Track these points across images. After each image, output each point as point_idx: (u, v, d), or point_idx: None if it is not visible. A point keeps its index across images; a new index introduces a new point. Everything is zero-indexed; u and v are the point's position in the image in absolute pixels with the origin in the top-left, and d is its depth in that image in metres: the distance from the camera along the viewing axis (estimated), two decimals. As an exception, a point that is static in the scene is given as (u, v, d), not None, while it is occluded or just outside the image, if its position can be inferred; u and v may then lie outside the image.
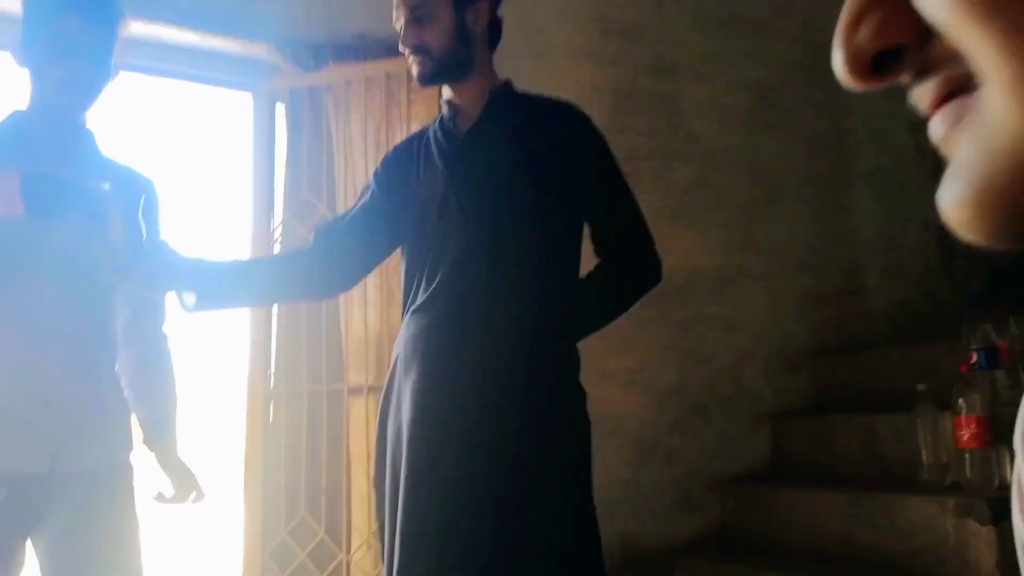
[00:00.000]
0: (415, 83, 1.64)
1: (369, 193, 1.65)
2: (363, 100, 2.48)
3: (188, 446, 1.81)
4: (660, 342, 2.91)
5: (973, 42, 0.26)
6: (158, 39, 2.40)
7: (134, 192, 1.57)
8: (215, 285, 1.49)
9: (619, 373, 2.80)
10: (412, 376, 1.49)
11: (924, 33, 0.29)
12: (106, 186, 1.47)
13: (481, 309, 1.48)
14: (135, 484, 1.67)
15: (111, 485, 1.60)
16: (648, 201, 2.95)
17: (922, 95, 0.30)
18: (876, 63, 0.30)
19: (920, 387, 2.36)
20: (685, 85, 3.18)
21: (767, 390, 3.09)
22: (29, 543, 1.53)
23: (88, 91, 1.58)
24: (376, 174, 1.68)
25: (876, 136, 3.49)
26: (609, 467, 2.58)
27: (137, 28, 2.36)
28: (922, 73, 0.30)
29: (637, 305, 1.59)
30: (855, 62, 0.31)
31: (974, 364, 2.28)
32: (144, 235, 1.41)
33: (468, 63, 1.57)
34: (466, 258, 1.50)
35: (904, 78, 0.31)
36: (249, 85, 2.56)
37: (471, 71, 1.58)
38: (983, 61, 0.26)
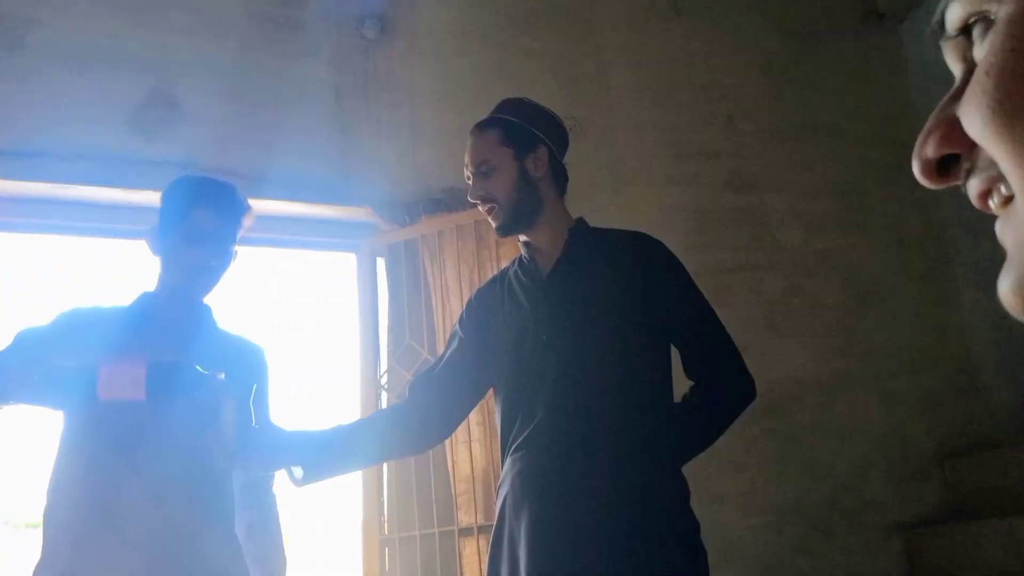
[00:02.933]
0: None
1: (457, 340, 1.71)
2: (455, 247, 2.62)
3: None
4: (772, 458, 2.84)
5: (997, 156, 0.36)
6: (270, 213, 2.62)
7: (246, 367, 1.69)
8: (322, 457, 1.55)
9: (732, 496, 2.73)
10: (524, 521, 1.49)
11: (972, 144, 0.38)
12: (221, 376, 1.59)
13: (583, 440, 1.49)
14: None
15: None
16: (741, 313, 2.99)
17: (971, 190, 0.40)
18: (940, 168, 0.41)
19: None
20: (765, 196, 3.22)
21: (893, 500, 2.94)
22: None
23: (213, 275, 1.73)
24: (462, 320, 1.74)
25: (971, 226, 3.41)
26: (733, 595, 2.48)
27: (250, 204, 2.60)
28: (970, 173, 0.40)
29: (735, 423, 1.59)
30: (925, 167, 0.41)
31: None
32: (254, 421, 1.51)
33: (537, 207, 1.65)
34: (561, 392, 1.53)
35: (960, 178, 0.41)
36: (352, 246, 2.76)
37: (541, 214, 1.65)
38: (1006, 171, 0.36)
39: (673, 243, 1.67)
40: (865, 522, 2.87)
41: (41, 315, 1.72)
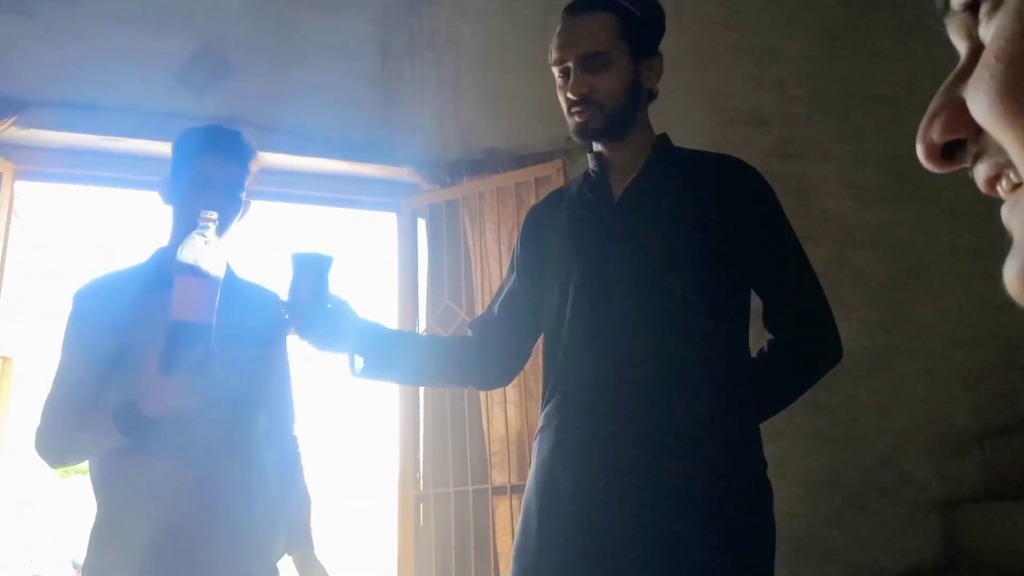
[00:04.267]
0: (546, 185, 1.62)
1: (513, 276, 1.55)
2: (496, 209, 2.62)
3: (332, 548, 1.87)
4: (810, 430, 2.81)
5: (1005, 143, 0.35)
6: (313, 169, 2.64)
7: (269, 316, 1.71)
8: (386, 355, 1.45)
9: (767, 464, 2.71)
10: (570, 471, 1.33)
11: (978, 129, 0.37)
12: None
13: (651, 387, 1.31)
14: None
15: None
16: (784, 285, 2.94)
17: (978, 175, 0.39)
18: (946, 151, 0.39)
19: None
20: (814, 165, 3.15)
21: (932, 477, 2.91)
22: None
23: (225, 222, 1.75)
24: (515, 252, 1.58)
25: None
26: (764, 564, 2.48)
27: (294, 161, 2.61)
28: (977, 158, 0.39)
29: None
30: (929, 151, 0.40)
31: None
32: (327, 300, 1.42)
33: (634, 121, 1.44)
34: (631, 331, 1.33)
35: (967, 162, 0.40)
36: (393, 206, 2.77)
37: (634, 129, 1.44)
38: (1013, 157, 0.35)
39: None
40: (902, 498, 2.85)
41: (63, 302, 1.69)
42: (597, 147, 1.47)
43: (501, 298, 1.55)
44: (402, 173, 2.70)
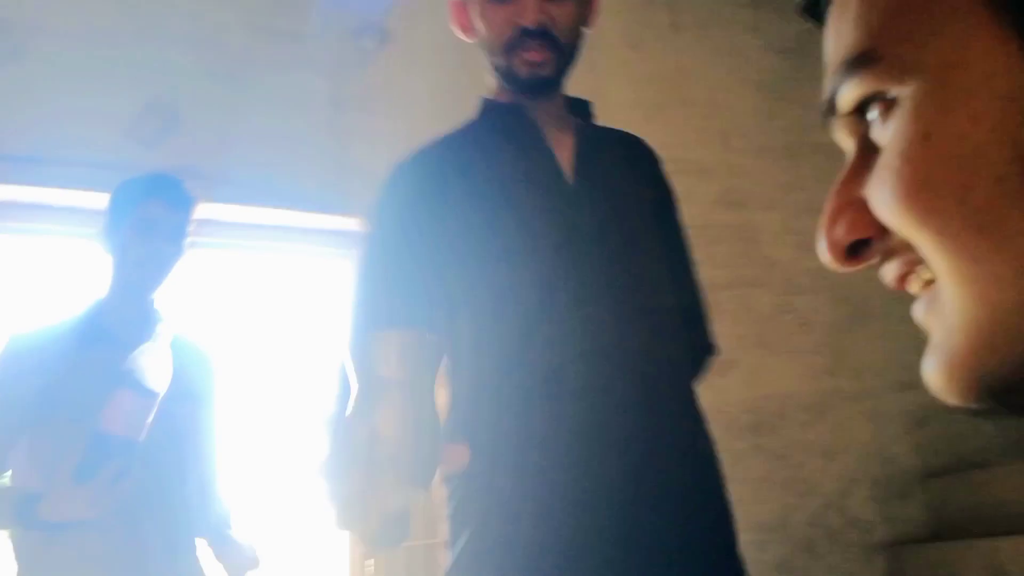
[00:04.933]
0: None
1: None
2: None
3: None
4: (757, 475, 2.86)
5: (916, 243, 0.35)
6: (265, 222, 2.64)
7: (198, 374, 1.70)
8: None
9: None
10: (590, 480, 1.07)
11: (883, 228, 0.37)
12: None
13: (649, 400, 1.14)
14: None
15: None
16: (731, 330, 3.01)
17: (887, 272, 0.40)
18: (851, 250, 0.40)
19: (1041, 509, 2.24)
20: (758, 214, 3.25)
21: (877, 519, 2.96)
22: None
23: (164, 267, 1.75)
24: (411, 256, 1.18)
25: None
26: (716, 610, 2.50)
27: (245, 212, 2.62)
28: (886, 257, 0.39)
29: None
30: (835, 251, 0.40)
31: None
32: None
33: (568, 73, 1.23)
34: (611, 299, 1.13)
35: (873, 261, 0.40)
36: (346, 254, 2.78)
37: (563, 84, 1.24)
38: (928, 258, 0.35)
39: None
40: (848, 540, 2.89)
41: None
42: (526, 99, 1.20)
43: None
44: (354, 223, 2.71)
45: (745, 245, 3.18)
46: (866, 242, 0.39)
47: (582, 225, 1.15)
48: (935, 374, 0.37)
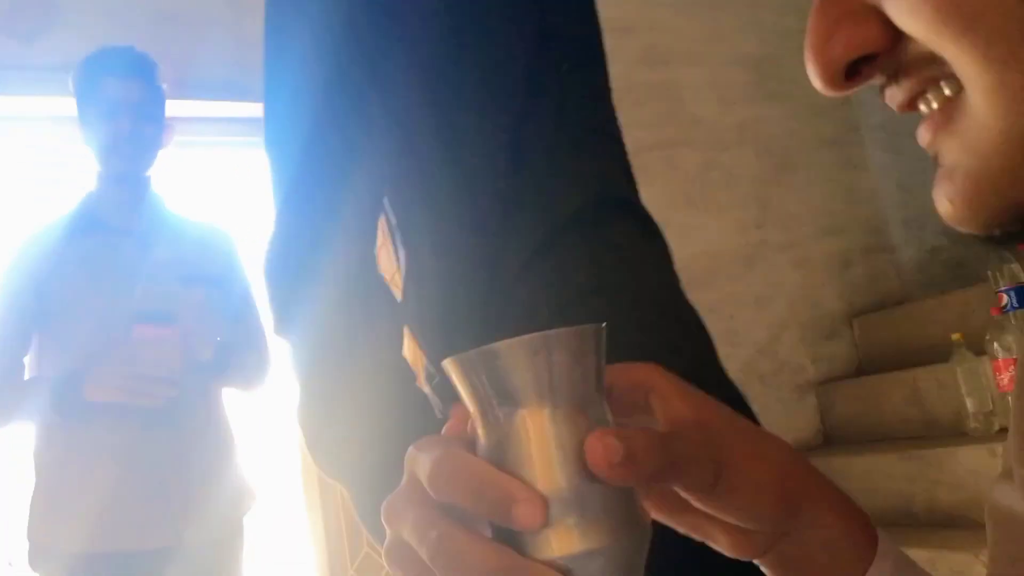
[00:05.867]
0: None
1: None
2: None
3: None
4: (692, 329, 2.93)
5: (953, 53, 0.29)
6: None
7: (211, 257, 1.66)
8: None
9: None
10: None
11: (894, 40, 0.31)
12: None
13: None
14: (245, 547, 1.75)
15: (229, 549, 1.68)
16: (659, 191, 3.01)
17: (894, 95, 0.34)
18: (848, 69, 0.33)
19: (954, 336, 2.35)
20: (681, 70, 3.19)
21: (807, 360, 3.10)
22: None
23: (141, 144, 1.64)
24: None
25: (879, 89, 3.46)
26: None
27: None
28: (894, 75, 0.33)
29: None
30: (829, 71, 0.33)
31: (1004, 306, 2.26)
32: None
33: None
34: None
35: (876, 80, 0.34)
36: (252, 141, 2.66)
37: None
38: (964, 70, 0.29)
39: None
40: (782, 383, 3.03)
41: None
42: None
43: None
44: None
45: (669, 104, 3.14)
46: (867, 59, 0.33)
47: None
48: (955, 198, 0.32)
